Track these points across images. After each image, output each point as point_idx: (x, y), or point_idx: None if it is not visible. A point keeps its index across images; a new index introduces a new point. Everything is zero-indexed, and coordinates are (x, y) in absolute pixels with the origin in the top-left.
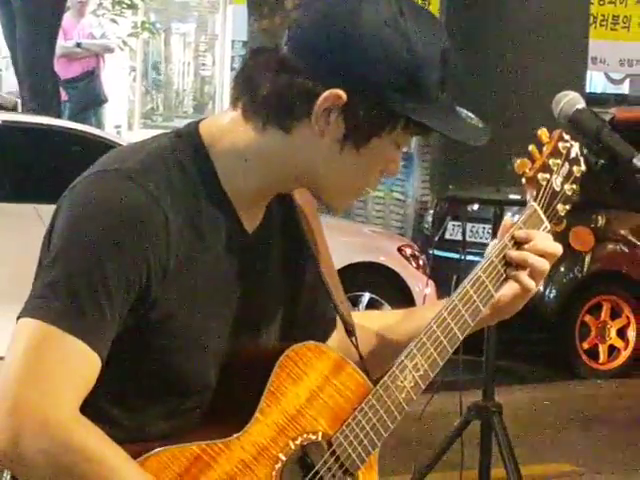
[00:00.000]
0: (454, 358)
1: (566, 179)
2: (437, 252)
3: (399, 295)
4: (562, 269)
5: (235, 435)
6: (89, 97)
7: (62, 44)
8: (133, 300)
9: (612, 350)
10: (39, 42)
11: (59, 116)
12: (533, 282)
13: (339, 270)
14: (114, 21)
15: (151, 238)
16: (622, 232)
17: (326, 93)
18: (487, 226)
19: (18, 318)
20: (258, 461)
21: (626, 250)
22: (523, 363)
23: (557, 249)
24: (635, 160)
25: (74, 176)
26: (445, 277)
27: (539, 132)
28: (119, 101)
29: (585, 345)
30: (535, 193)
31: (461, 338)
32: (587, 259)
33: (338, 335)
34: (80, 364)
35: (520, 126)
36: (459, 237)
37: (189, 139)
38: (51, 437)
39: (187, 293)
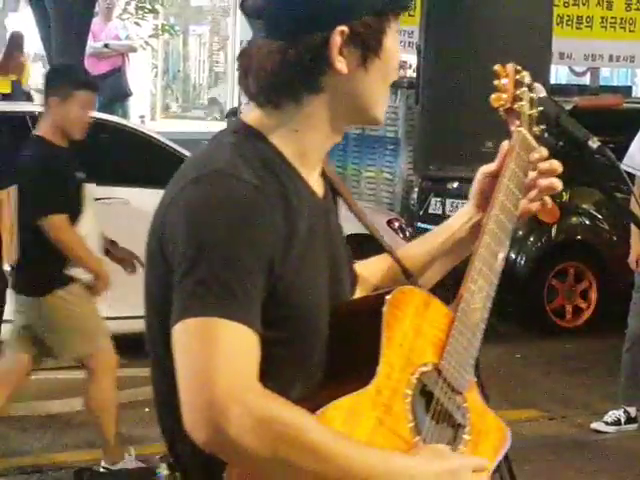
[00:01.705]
0: None
1: (530, 104)
2: (421, 225)
3: None
4: (532, 239)
5: (371, 383)
6: (116, 91)
7: (91, 45)
8: (265, 279)
9: (577, 310)
10: (71, 43)
11: None
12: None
13: None
14: (137, 24)
15: (267, 222)
16: (584, 206)
17: (332, 38)
18: (465, 201)
19: (175, 323)
20: (393, 400)
21: (588, 222)
22: (497, 321)
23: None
24: (590, 142)
25: (104, 161)
26: None
27: (495, 68)
28: (142, 94)
29: (553, 305)
30: (517, 121)
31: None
32: (554, 230)
33: (359, 288)
34: (248, 344)
35: (493, 114)
36: (441, 211)
37: (246, 131)
38: (254, 415)
39: (300, 262)
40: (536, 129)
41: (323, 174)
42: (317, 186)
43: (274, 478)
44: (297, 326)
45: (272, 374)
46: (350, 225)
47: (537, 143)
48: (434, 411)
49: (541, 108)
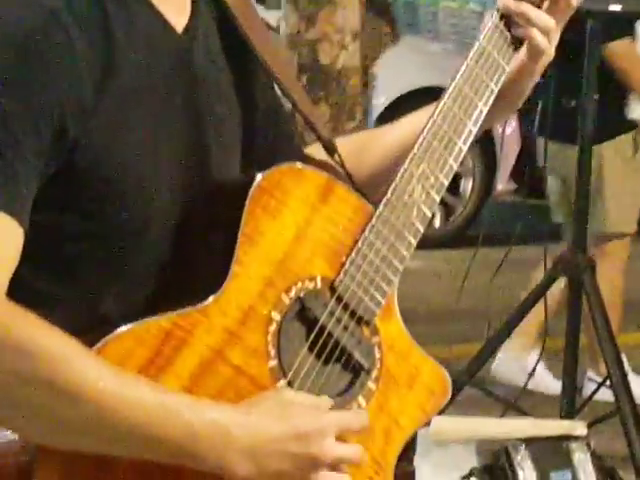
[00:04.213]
0: (538, 203)
1: None
2: None
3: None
4: None
5: (211, 298)
6: None
7: None
8: (49, 148)
9: None
10: None
11: None
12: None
13: (410, 93)
14: None
15: (55, 68)
16: None
17: None
18: None
19: None
20: (246, 326)
21: None
22: None
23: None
24: None
25: None
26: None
27: None
28: None
29: None
30: None
31: (474, 131)
32: None
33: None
34: (3, 241)
35: None
36: None
37: None
38: None
39: (115, 126)
40: None
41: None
42: (177, 13)
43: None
44: (111, 215)
45: (72, 280)
46: (421, 79)
47: None
48: (318, 345)
49: None
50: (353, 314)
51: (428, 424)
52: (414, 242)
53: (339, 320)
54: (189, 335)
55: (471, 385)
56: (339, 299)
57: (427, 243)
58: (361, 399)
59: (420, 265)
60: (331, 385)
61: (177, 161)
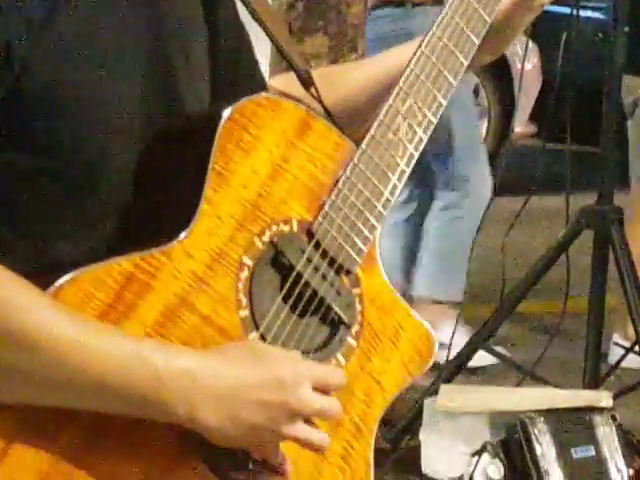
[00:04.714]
0: (560, 148)
1: None
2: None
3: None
4: None
5: (177, 239)
6: None
7: None
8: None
9: None
10: None
11: None
12: None
13: None
14: None
15: None
16: None
17: None
18: None
19: None
20: (214, 271)
21: None
22: None
23: None
24: None
25: None
26: (553, 35)
27: None
28: None
29: None
30: None
31: (465, 63)
32: None
33: None
34: None
35: None
36: None
37: None
38: None
39: (68, 42)
40: None
41: None
42: None
43: None
44: (64, 148)
45: (24, 222)
46: None
47: None
48: (293, 295)
49: None
50: (332, 262)
51: (434, 392)
52: (399, 185)
53: (317, 268)
54: (153, 279)
55: (484, 350)
56: (317, 245)
57: None
58: (340, 356)
59: None
60: (307, 340)
61: (138, 84)
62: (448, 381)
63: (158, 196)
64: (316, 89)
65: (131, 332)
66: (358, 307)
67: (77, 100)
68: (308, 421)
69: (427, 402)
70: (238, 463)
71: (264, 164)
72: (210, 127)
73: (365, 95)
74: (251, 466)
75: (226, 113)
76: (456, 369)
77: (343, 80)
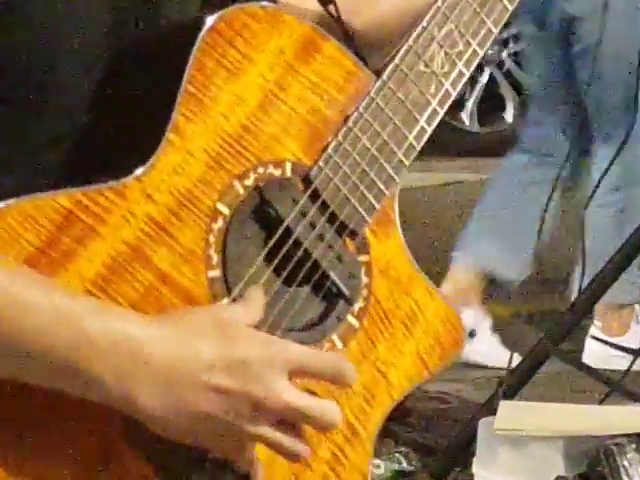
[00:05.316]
0: None
1: None
2: None
3: None
4: None
5: (134, 173)
6: None
7: None
8: None
9: None
10: None
11: None
12: None
13: None
14: None
15: None
16: None
17: None
18: None
19: None
20: (179, 218)
21: None
22: None
23: None
24: None
25: None
26: None
27: None
28: None
29: None
30: None
31: None
32: None
33: None
34: None
35: None
36: None
37: None
38: None
39: None
40: None
41: None
42: None
43: None
44: (10, 62)
45: None
46: None
47: None
48: (280, 256)
49: None
50: (333, 219)
51: (493, 412)
52: (428, 129)
53: (312, 225)
54: (98, 222)
55: (558, 358)
56: (315, 195)
57: (471, 150)
58: (336, 338)
59: (464, 177)
60: (293, 314)
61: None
62: (511, 396)
63: (117, 124)
64: (336, 7)
65: (65, 286)
66: (364, 279)
67: (27, 8)
68: (285, 421)
69: (483, 423)
70: (192, 463)
71: (253, 90)
72: (189, 39)
73: (397, 20)
74: (207, 465)
75: (209, 21)
76: (521, 379)
77: (371, 0)
